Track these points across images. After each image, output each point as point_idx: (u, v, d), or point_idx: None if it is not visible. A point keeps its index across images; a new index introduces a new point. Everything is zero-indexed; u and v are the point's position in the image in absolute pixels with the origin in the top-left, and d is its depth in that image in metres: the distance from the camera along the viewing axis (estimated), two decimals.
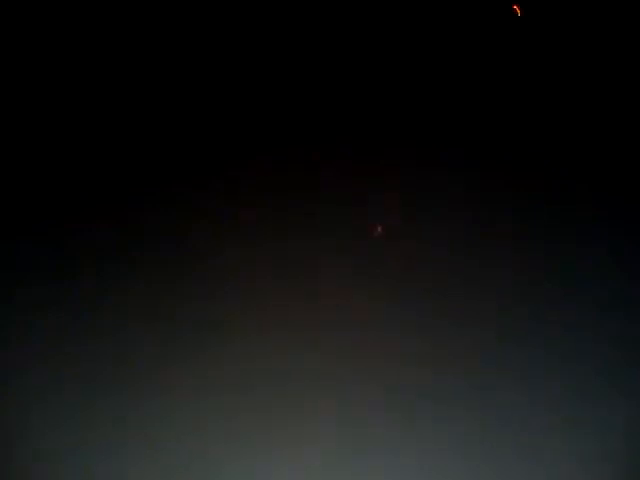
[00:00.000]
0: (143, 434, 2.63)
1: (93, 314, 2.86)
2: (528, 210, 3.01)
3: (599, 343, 2.75)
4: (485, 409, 2.66)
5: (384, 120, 3.16)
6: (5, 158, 3.12)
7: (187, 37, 3.20)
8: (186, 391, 2.71)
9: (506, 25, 3.14)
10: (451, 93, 3.15)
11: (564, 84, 3.12)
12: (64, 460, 2.58)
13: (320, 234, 3.02)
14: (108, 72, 3.20)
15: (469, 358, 2.75)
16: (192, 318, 2.86)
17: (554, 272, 2.90)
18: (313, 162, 3.14)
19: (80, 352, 2.78)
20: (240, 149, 3.16)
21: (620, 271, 2.89)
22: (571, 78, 3.11)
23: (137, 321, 2.84)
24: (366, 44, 3.18)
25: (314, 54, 3.18)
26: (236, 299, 2.90)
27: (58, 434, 2.62)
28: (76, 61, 3.19)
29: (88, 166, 3.13)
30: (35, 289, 2.92)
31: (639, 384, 2.68)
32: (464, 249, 2.96)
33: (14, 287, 2.92)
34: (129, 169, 3.13)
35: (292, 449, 2.61)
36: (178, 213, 3.07)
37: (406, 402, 2.68)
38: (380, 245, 3.01)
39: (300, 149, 3.14)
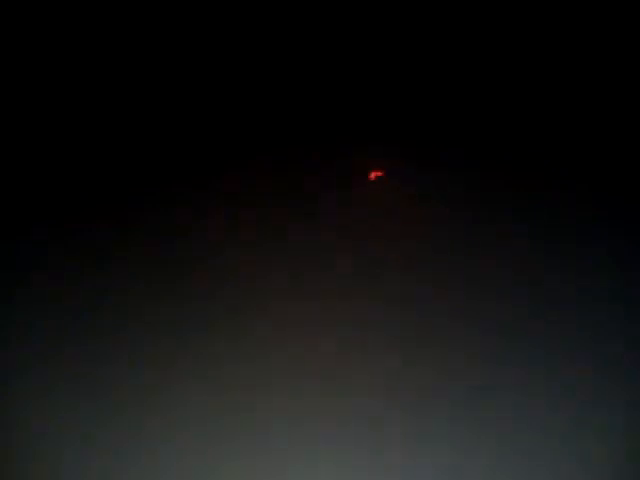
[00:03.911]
0: (143, 434, 2.63)
1: (93, 314, 2.87)
2: (528, 210, 3.01)
3: (599, 343, 2.75)
4: (485, 409, 2.66)
5: (384, 120, 3.16)
6: (5, 158, 3.12)
7: (187, 38, 3.20)
8: (186, 391, 2.71)
9: (506, 25, 3.15)
10: (451, 93, 3.15)
11: (564, 84, 3.12)
12: (64, 460, 2.59)
13: (320, 234, 3.02)
14: (108, 73, 3.20)
15: (469, 358, 2.75)
16: (192, 318, 2.86)
17: (554, 272, 2.90)
18: (313, 162, 3.14)
19: (80, 352, 2.78)
20: (240, 149, 3.16)
21: (620, 271, 2.89)
22: (571, 78, 3.11)
23: (137, 321, 2.84)
24: (366, 45, 3.18)
25: (314, 55, 3.19)
26: (236, 299, 2.91)
27: (58, 434, 2.62)
28: (77, 62, 3.19)
29: (88, 166, 3.14)
30: (35, 289, 2.92)
31: (639, 384, 2.68)
32: (464, 249, 2.97)
33: (14, 287, 2.92)
34: (129, 169, 3.13)
35: (291, 449, 2.61)
36: (178, 213, 3.08)
37: (406, 402, 2.68)
38: (380, 245, 3.01)
39: (300, 149, 3.15)
